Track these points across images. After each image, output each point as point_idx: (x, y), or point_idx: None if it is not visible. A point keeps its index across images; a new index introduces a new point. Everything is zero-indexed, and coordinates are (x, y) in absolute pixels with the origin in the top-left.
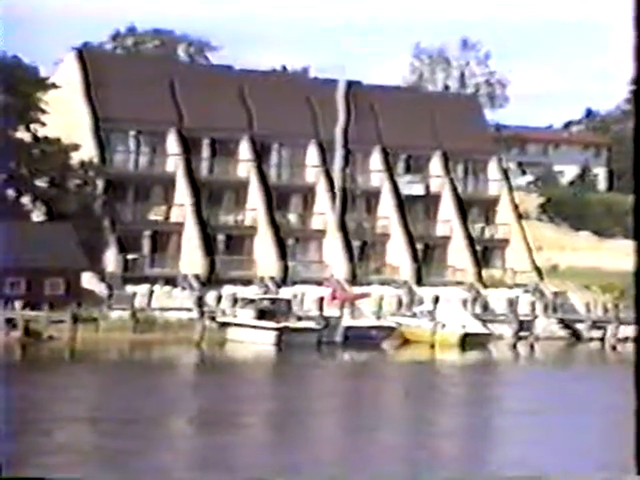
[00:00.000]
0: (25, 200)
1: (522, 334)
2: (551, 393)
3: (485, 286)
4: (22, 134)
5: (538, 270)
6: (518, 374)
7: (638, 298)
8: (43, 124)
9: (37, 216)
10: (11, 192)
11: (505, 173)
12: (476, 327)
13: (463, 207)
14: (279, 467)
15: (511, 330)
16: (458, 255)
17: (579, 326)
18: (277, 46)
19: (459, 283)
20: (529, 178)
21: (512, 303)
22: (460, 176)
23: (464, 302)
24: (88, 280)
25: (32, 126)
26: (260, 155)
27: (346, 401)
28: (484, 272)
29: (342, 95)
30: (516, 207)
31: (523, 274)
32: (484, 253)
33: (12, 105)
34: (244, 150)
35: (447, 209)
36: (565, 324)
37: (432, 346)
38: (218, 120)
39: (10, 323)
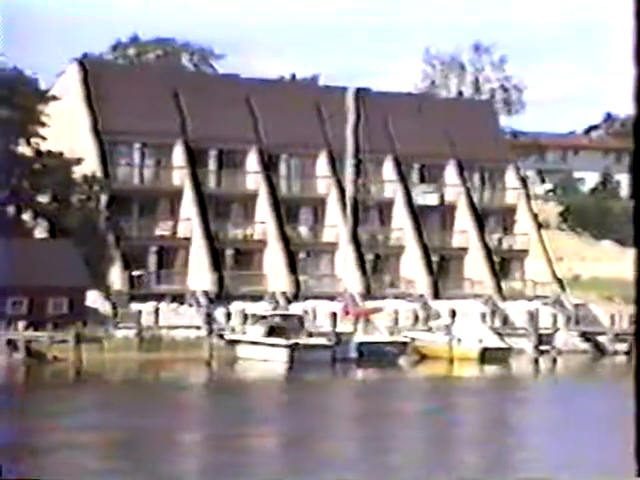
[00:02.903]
0: (26, 216)
1: (543, 348)
2: (580, 411)
3: (504, 299)
4: (23, 148)
5: (559, 281)
6: (542, 392)
7: (638, 305)
8: (44, 138)
9: (39, 233)
10: (12, 209)
11: (523, 181)
12: (494, 341)
13: (480, 217)
14: None
15: (531, 344)
16: (475, 267)
17: (602, 339)
18: (284, 53)
19: (477, 296)
20: (548, 186)
21: (532, 316)
22: (476, 185)
23: (482, 315)
24: (93, 298)
25: (33, 140)
26: (269, 166)
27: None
28: (503, 284)
29: (352, 103)
30: (535, 216)
31: (543, 285)
32: (502, 264)
33: (12, 119)
34: (252, 161)
35: (463, 219)
36: (587, 337)
37: (451, 361)
38: (225, 131)
39: (11, 344)
